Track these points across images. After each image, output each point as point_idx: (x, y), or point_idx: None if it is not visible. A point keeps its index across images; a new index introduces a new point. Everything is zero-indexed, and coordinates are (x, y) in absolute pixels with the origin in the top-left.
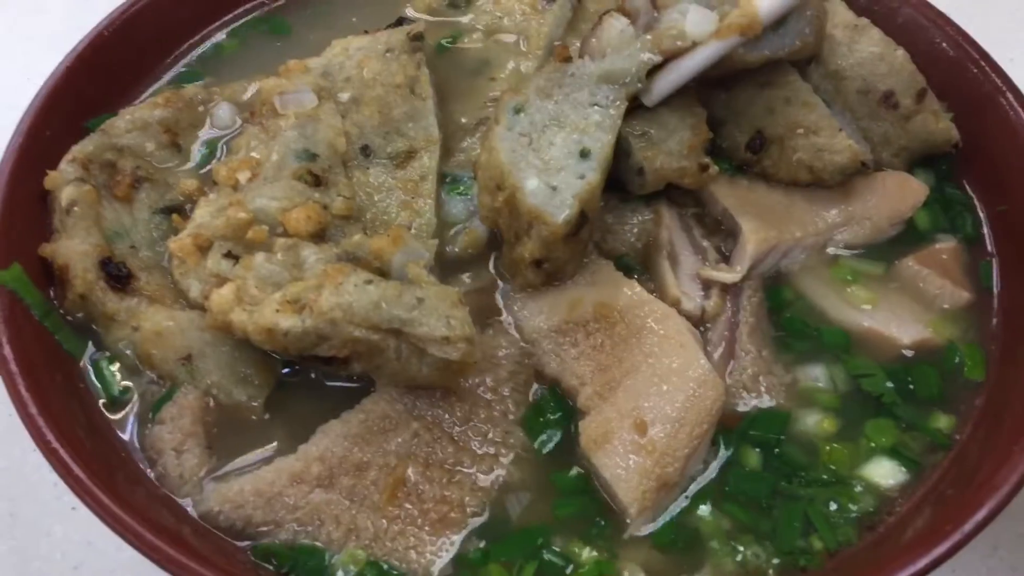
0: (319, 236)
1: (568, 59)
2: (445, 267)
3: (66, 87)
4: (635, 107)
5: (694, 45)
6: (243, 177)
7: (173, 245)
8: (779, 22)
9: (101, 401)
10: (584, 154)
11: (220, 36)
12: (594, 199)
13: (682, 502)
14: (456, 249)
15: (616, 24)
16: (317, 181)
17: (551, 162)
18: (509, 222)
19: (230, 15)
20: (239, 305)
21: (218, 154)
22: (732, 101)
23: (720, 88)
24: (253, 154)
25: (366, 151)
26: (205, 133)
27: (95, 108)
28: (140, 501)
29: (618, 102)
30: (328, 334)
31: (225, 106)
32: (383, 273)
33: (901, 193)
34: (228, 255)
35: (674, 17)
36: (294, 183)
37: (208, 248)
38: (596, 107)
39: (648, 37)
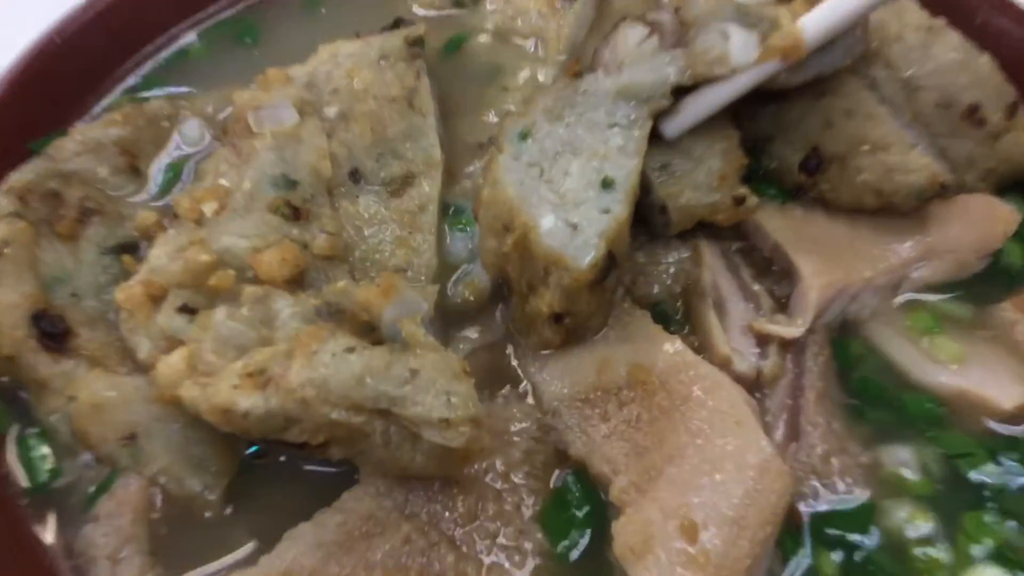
0: (296, 282)
1: (579, 74)
2: (447, 317)
3: (8, 103)
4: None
5: (733, 72)
6: (209, 209)
7: (120, 295)
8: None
9: (24, 487)
10: (607, 184)
11: (188, 38)
12: (622, 237)
13: None
14: (457, 299)
15: (633, 33)
16: (296, 214)
17: (568, 195)
18: (520, 270)
19: (199, 14)
20: (191, 376)
21: (183, 178)
22: (782, 114)
23: (769, 99)
24: (222, 181)
25: (355, 176)
26: (169, 153)
27: (42, 125)
28: None
29: (641, 121)
30: (298, 416)
31: (193, 122)
32: (372, 330)
33: (988, 220)
34: (183, 309)
35: (712, 38)
36: (268, 217)
37: (162, 298)
38: (616, 128)
39: (679, 53)
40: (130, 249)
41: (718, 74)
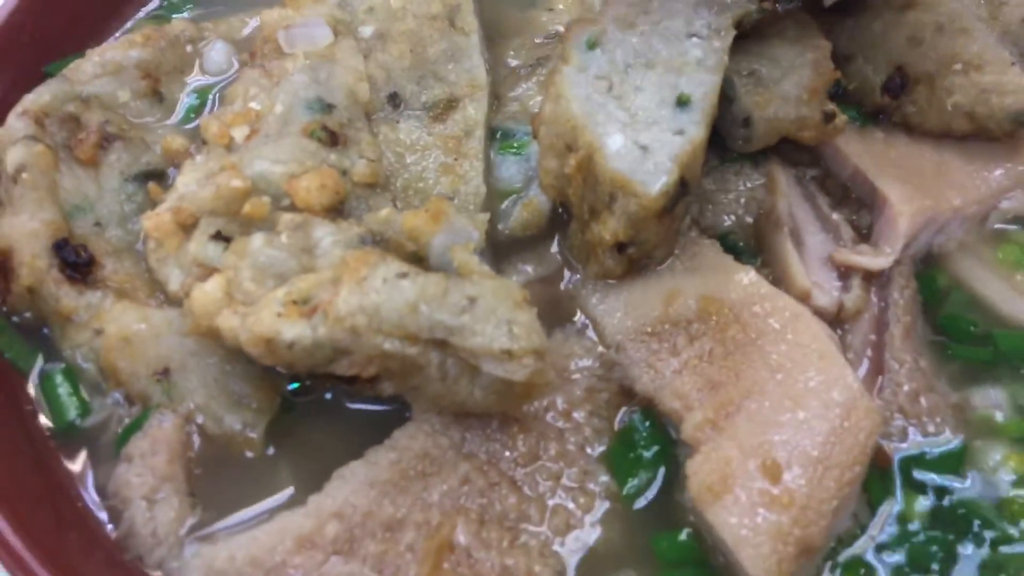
0: (336, 210)
1: None
2: (497, 250)
3: (21, 23)
4: (738, 37)
5: None
6: (239, 134)
7: (148, 223)
8: None
9: (50, 429)
10: (682, 102)
11: None
12: (696, 162)
13: (825, 572)
14: (509, 227)
15: None
16: (333, 139)
17: (639, 114)
18: (583, 193)
19: None
20: (229, 305)
21: (209, 105)
22: (862, 30)
23: (846, 14)
24: (252, 104)
25: (395, 100)
26: (194, 79)
27: (59, 49)
28: (96, 573)
29: (723, 31)
30: (348, 347)
31: (219, 45)
32: (420, 260)
33: None
34: (217, 236)
35: None
36: (304, 141)
37: (193, 227)
38: (695, 39)
39: None
40: (156, 177)
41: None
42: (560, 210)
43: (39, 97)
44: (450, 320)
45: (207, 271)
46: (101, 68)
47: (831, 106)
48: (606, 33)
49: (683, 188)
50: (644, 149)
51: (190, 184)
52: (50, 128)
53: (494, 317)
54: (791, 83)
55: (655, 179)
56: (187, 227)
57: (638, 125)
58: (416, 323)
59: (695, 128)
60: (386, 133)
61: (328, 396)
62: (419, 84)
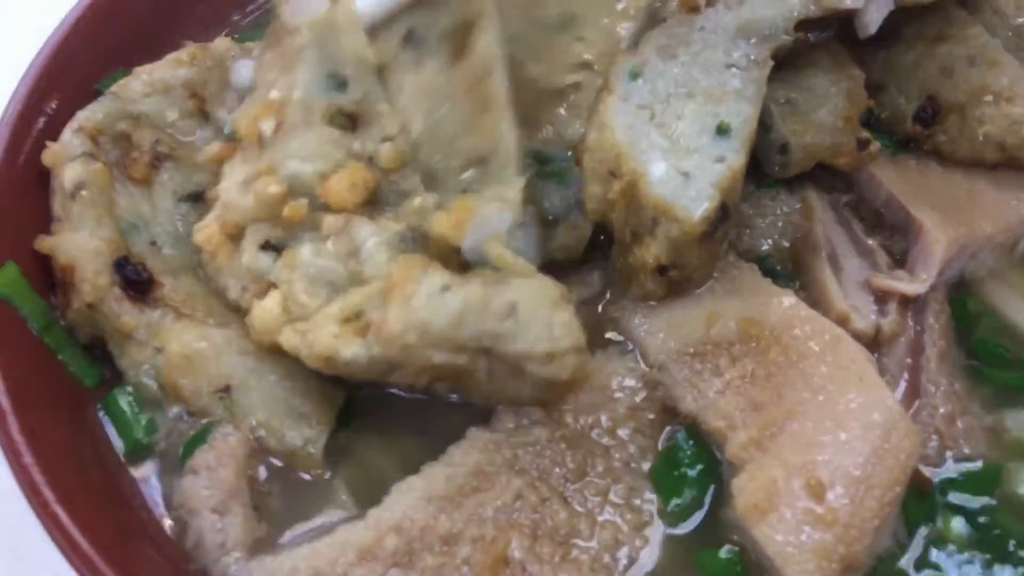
0: (371, 202)
1: (695, 8)
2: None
3: (77, 41)
4: (775, 66)
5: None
6: (267, 128)
7: (199, 236)
8: None
9: (116, 443)
10: (722, 130)
11: None
12: (736, 188)
13: None
14: (551, 251)
15: None
16: (353, 122)
17: (681, 141)
18: (626, 218)
19: None
20: (288, 321)
21: None
22: (895, 60)
23: (878, 45)
24: (273, 93)
25: (411, 37)
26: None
27: (111, 67)
28: None
29: (761, 62)
30: (402, 362)
31: (246, 64)
32: (458, 251)
33: None
34: (266, 247)
35: None
36: (326, 131)
37: (240, 236)
38: (735, 69)
39: None
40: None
41: (848, 6)
42: (602, 236)
43: (93, 115)
44: (494, 328)
45: (263, 286)
46: (150, 87)
47: (865, 134)
48: (648, 63)
49: (724, 213)
50: (686, 176)
51: (231, 191)
52: (104, 146)
53: (535, 320)
54: (826, 111)
55: (697, 205)
56: (235, 237)
57: (680, 152)
58: (463, 334)
59: (735, 155)
60: (408, 82)
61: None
62: (430, 13)
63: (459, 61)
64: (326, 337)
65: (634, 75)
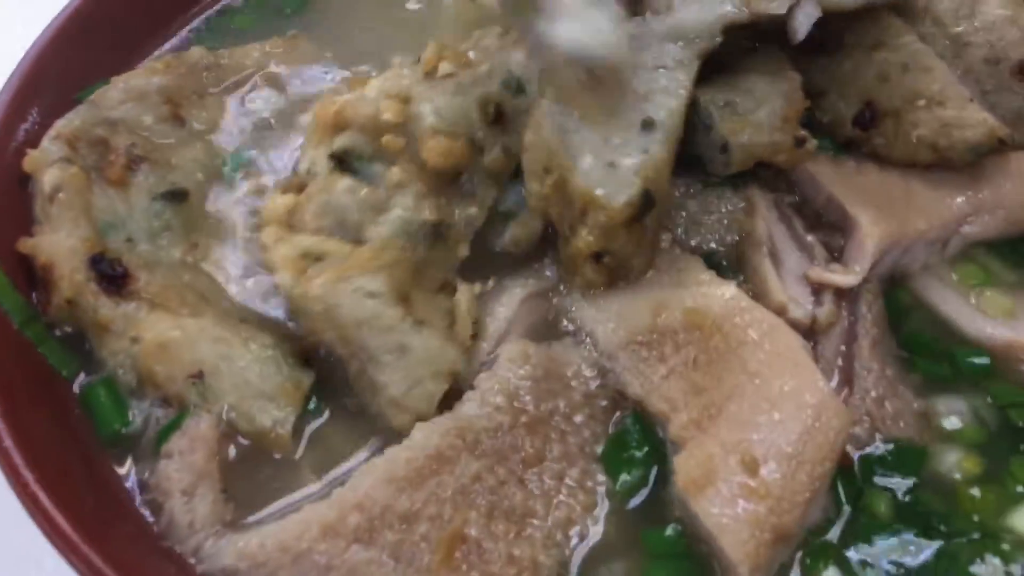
0: (450, 179)
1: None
2: (497, 265)
3: (55, 53)
4: (714, 72)
5: (792, 9)
6: (444, 68)
7: (318, 108)
8: None
9: (95, 430)
10: (647, 125)
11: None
12: (661, 177)
13: (799, 559)
14: (505, 241)
15: None
16: (499, 119)
17: (610, 138)
18: (561, 211)
19: None
20: (283, 224)
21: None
22: (834, 67)
23: (820, 53)
24: (471, 54)
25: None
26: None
27: (89, 78)
28: (139, 559)
29: (688, 62)
30: (304, 315)
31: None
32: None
33: None
34: (335, 157)
35: None
36: (474, 111)
37: (343, 130)
38: (662, 70)
39: None
40: (180, 197)
41: (776, 11)
42: (551, 230)
43: (70, 122)
44: (376, 352)
45: (295, 182)
46: (126, 94)
47: (802, 132)
48: None
49: (647, 200)
50: (611, 166)
51: (374, 88)
52: (81, 151)
53: (410, 373)
54: (765, 112)
55: (620, 192)
56: (341, 127)
57: (608, 148)
58: (353, 335)
59: (658, 147)
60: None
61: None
62: None
63: None
64: (280, 254)
65: None
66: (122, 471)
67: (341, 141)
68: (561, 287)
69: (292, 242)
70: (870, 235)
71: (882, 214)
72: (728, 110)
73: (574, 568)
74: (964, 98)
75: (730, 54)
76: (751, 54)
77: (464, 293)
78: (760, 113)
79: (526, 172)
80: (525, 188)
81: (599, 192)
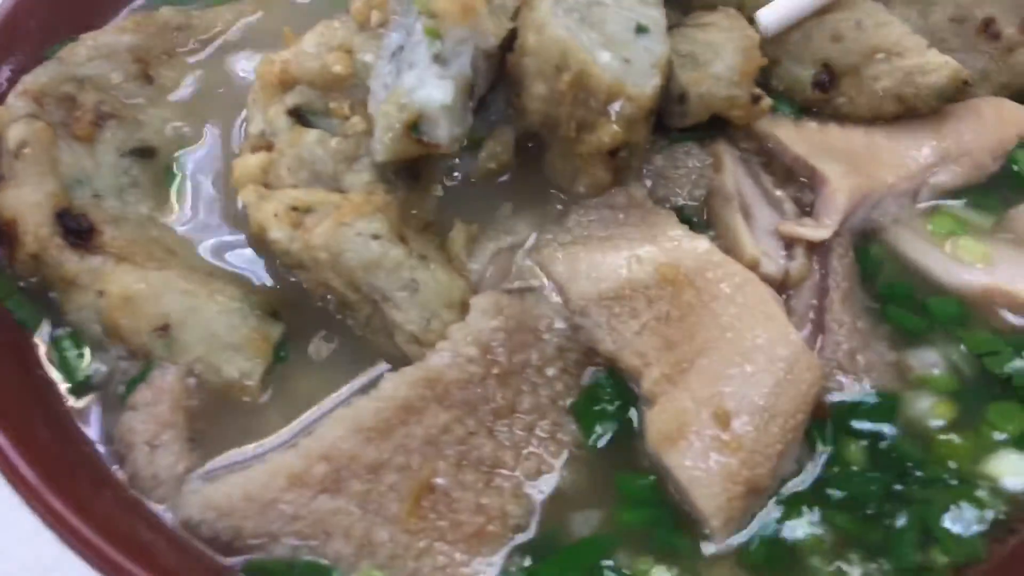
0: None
1: None
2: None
3: (25, 12)
4: (674, 25)
5: None
6: (376, 18)
7: (260, 67)
8: None
9: (60, 383)
10: (642, 29)
11: None
12: (665, 75)
13: (773, 510)
14: (481, 161)
15: None
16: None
17: (612, 37)
18: (572, 109)
19: None
20: (261, 182)
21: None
22: (784, 36)
23: None
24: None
25: None
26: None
27: (59, 35)
28: (104, 508)
29: None
30: (307, 268)
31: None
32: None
33: (1001, 121)
34: (293, 113)
35: None
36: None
37: (291, 87)
38: None
39: None
40: (149, 154)
41: None
42: (530, 144)
43: (37, 78)
44: (388, 291)
45: (262, 142)
46: (95, 51)
47: (758, 91)
48: None
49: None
50: (627, 61)
51: (311, 44)
52: (48, 107)
53: (425, 306)
54: (723, 65)
55: (647, 81)
56: (286, 85)
57: (615, 44)
58: (363, 278)
59: (660, 47)
60: None
61: (319, 338)
62: None
63: None
64: (268, 212)
65: None
66: (89, 424)
67: (294, 98)
68: (532, 239)
69: (277, 197)
70: (840, 189)
71: (850, 168)
72: (688, 60)
73: (545, 517)
74: (922, 45)
75: None
76: (711, 11)
77: (459, 230)
78: (719, 66)
79: (529, 76)
80: (526, 93)
81: (627, 81)
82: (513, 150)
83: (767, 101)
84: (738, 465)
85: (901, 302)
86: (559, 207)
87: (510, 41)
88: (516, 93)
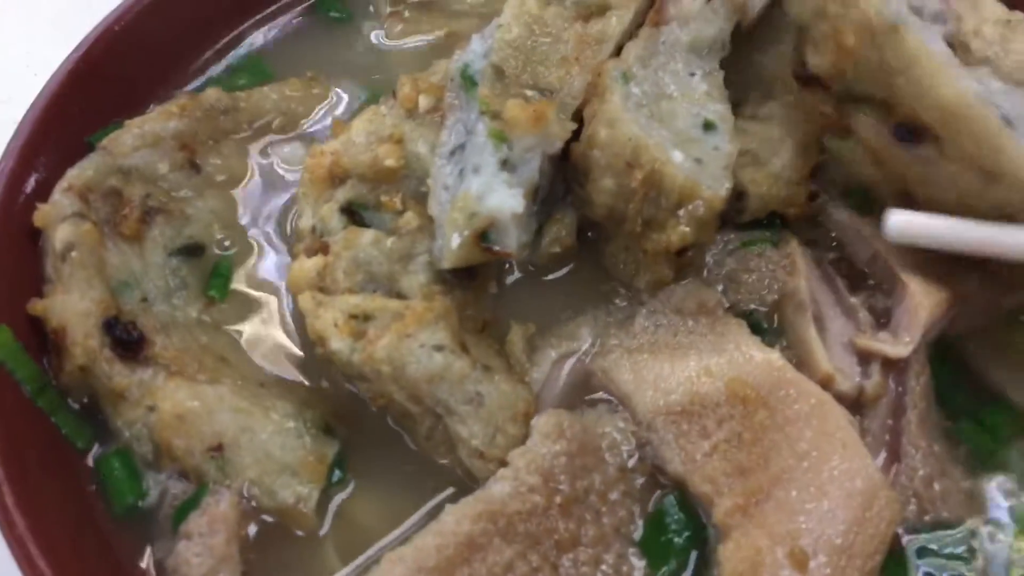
0: None
1: (660, 23)
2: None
3: (66, 97)
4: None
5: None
6: (424, 103)
7: (310, 160)
8: None
9: (110, 508)
10: (708, 126)
11: (257, 36)
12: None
13: None
14: (544, 246)
15: None
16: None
17: (681, 134)
18: (641, 207)
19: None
20: (315, 287)
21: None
22: None
23: None
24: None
25: None
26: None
27: (101, 120)
28: None
29: (714, 71)
30: (369, 379)
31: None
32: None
33: None
34: (346, 210)
35: None
36: None
37: (342, 180)
38: (698, 75)
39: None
40: (196, 252)
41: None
42: (589, 233)
43: (83, 172)
44: (453, 405)
45: (317, 243)
46: (140, 140)
47: (814, 187)
48: (632, 69)
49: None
50: (699, 162)
51: (361, 134)
52: (94, 203)
53: (490, 421)
54: (782, 163)
55: (720, 184)
56: (337, 180)
57: (685, 143)
58: (427, 391)
59: (728, 146)
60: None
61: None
62: None
63: (583, 22)
64: (328, 321)
65: (625, 78)
66: (139, 551)
67: (345, 193)
68: (596, 346)
69: (335, 305)
70: (923, 305)
71: (932, 278)
72: (747, 159)
73: None
74: None
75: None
76: (768, 102)
77: (516, 333)
78: (777, 164)
79: (597, 167)
80: (593, 186)
81: (700, 184)
82: (575, 233)
83: (824, 197)
84: None
85: (974, 421)
86: (621, 303)
87: (575, 133)
88: (580, 183)
